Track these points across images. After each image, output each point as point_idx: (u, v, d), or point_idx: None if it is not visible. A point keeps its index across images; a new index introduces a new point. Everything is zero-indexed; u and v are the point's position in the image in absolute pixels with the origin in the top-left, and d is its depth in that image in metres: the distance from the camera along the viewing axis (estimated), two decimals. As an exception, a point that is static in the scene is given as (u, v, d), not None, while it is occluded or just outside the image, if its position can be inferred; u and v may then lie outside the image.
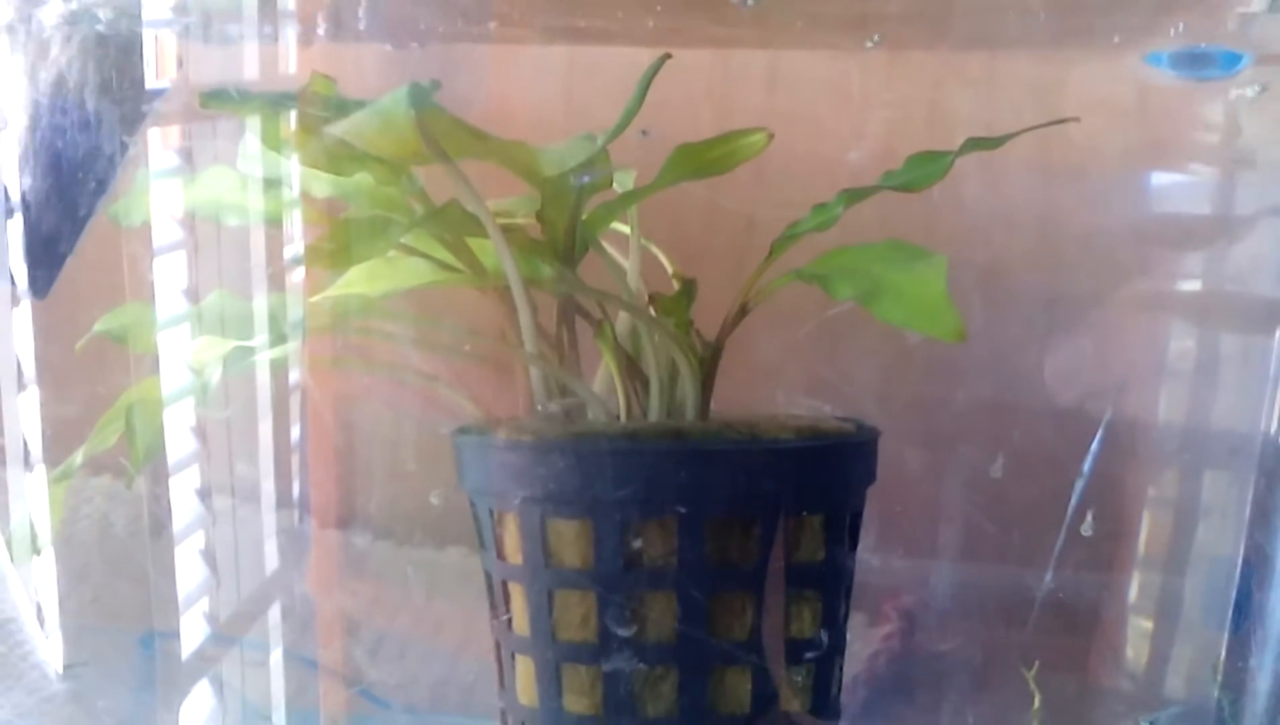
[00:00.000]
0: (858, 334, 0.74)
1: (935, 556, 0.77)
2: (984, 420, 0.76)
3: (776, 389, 0.76)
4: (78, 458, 0.61)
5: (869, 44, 0.69)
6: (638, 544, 0.54)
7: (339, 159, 0.54)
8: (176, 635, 0.73)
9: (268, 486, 0.73)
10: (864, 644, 0.81)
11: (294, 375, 0.72)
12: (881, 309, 0.50)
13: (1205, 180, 0.73)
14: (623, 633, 0.55)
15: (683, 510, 0.54)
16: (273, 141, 0.54)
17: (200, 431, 0.73)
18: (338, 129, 0.47)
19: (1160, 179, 0.75)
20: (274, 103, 0.52)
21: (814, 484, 0.56)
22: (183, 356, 0.60)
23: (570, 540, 0.55)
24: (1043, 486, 0.73)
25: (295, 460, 0.75)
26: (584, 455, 0.54)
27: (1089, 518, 0.70)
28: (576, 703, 0.56)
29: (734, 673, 0.56)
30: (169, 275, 0.67)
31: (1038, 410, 0.75)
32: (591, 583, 0.55)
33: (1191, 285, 0.76)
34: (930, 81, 0.75)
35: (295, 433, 0.74)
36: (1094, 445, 0.71)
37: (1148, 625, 0.77)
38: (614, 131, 0.54)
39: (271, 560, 0.75)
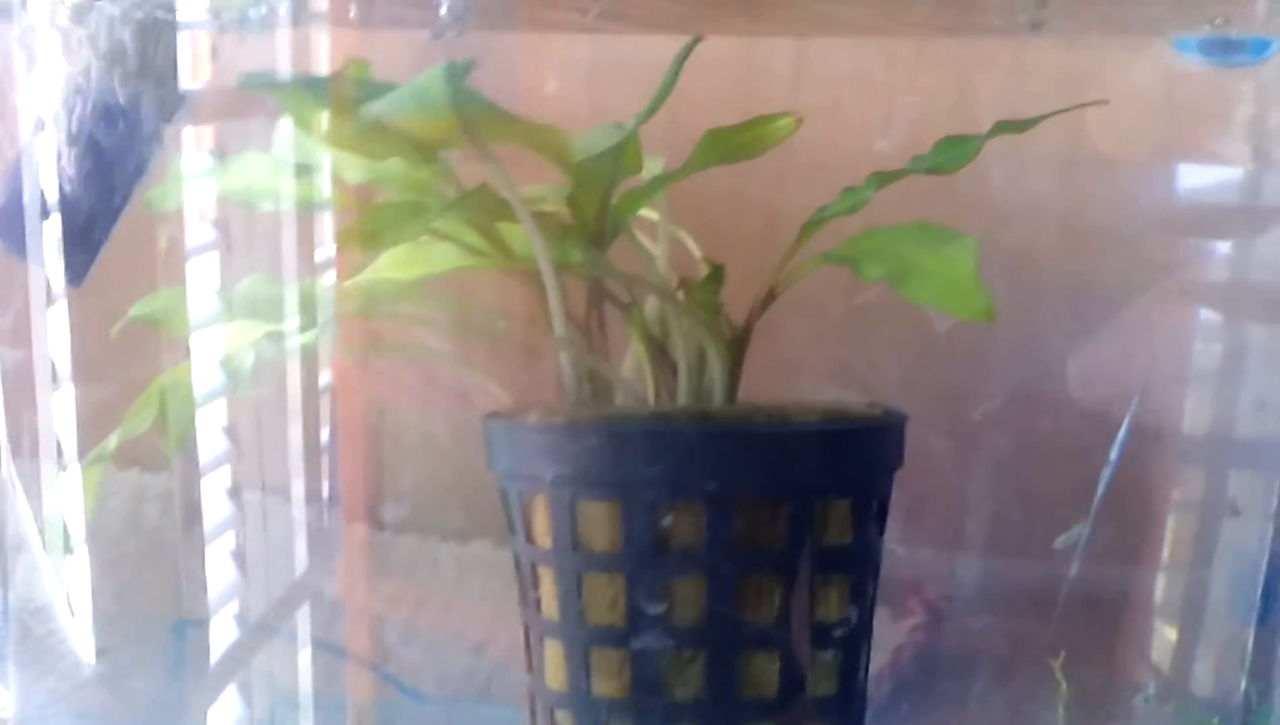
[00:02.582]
0: (885, 322, 0.75)
1: (960, 547, 0.77)
2: (1012, 410, 0.76)
3: (803, 377, 0.76)
4: (111, 441, 0.61)
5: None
6: (666, 526, 0.54)
7: (371, 142, 0.55)
8: (207, 623, 0.74)
9: (298, 483, 0.73)
10: (889, 637, 0.81)
11: (324, 374, 0.72)
12: (910, 289, 0.50)
13: (1236, 169, 0.73)
14: (651, 615, 0.55)
15: (711, 492, 0.54)
16: (307, 125, 0.54)
17: (232, 431, 0.74)
18: (375, 108, 0.47)
19: (1190, 168, 0.75)
20: (309, 85, 0.53)
21: (842, 467, 0.56)
22: (217, 342, 0.61)
23: (599, 523, 0.55)
24: (1068, 476, 0.73)
25: (325, 458, 0.75)
26: (614, 437, 0.55)
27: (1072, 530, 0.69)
28: (605, 686, 0.56)
29: (762, 656, 0.56)
30: (203, 262, 0.67)
31: (1066, 400, 0.75)
32: (620, 565, 0.55)
33: (1220, 276, 0.76)
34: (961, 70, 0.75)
35: (326, 432, 0.75)
36: (1121, 434, 0.71)
37: (1174, 618, 0.76)
38: (644, 114, 0.55)
39: (301, 556, 0.76)
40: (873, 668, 0.84)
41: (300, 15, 0.68)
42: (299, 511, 0.74)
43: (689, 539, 0.55)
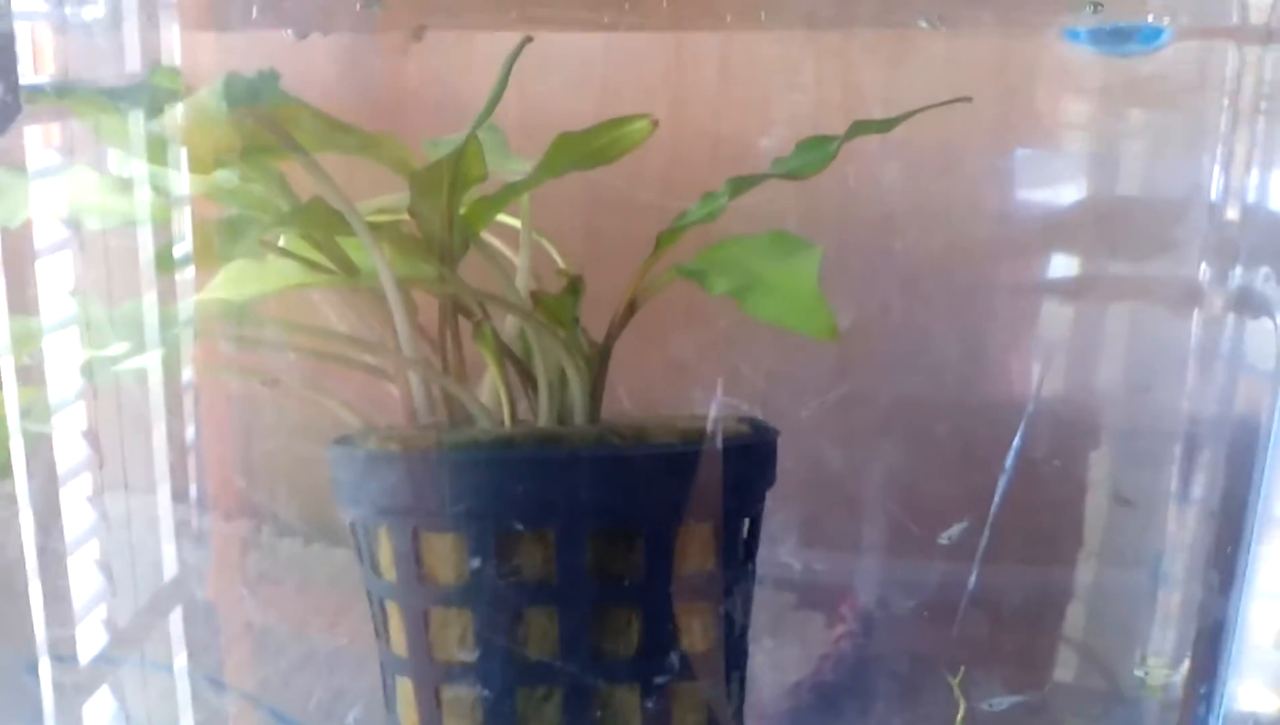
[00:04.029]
0: (777, 329, 0.72)
1: (859, 553, 0.75)
2: (906, 414, 0.73)
3: (693, 387, 0.73)
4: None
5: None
6: (515, 558, 0.51)
7: (192, 156, 0.51)
8: (72, 659, 0.70)
9: (164, 489, 0.70)
10: (817, 645, 0.79)
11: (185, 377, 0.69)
12: (754, 306, 0.47)
13: (1120, 158, 0.71)
14: (502, 651, 0.52)
15: (561, 521, 0.51)
16: (110, 136, 0.51)
17: (92, 436, 0.70)
18: (156, 125, 0.44)
19: (1077, 158, 0.72)
20: (103, 97, 0.49)
21: (702, 490, 0.53)
22: (46, 366, 0.57)
23: (444, 555, 0.52)
24: (965, 482, 0.70)
25: (192, 461, 0.72)
26: (455, 465, 0.51)
27: (954, 528, 0.67)
28: (458, 724, 0.53)
29: (622, 691, 0.53)
30: (56, 273, 0.63)
31: (961, 403, 0.73)
32: (467, 599, 0.52)
33: (1112, 268, 0.73)
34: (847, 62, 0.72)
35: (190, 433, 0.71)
36: (1016, 441, 0.69)
37: (1075, 618, 0.74)
38: (480, 118, 0.51)
39: (170, 566, 0.72)
40: (795, 675, 0.82)
41: (152, 15, 0.64)
42: (167, 521, 0.70)
43: (539, 570, 0.51)
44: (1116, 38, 0.67)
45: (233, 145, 0.45)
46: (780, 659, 0.78)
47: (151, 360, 0.57)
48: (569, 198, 0.64)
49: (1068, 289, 0.74)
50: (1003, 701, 0.64)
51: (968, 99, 0.52)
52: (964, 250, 0.73)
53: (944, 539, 0.66)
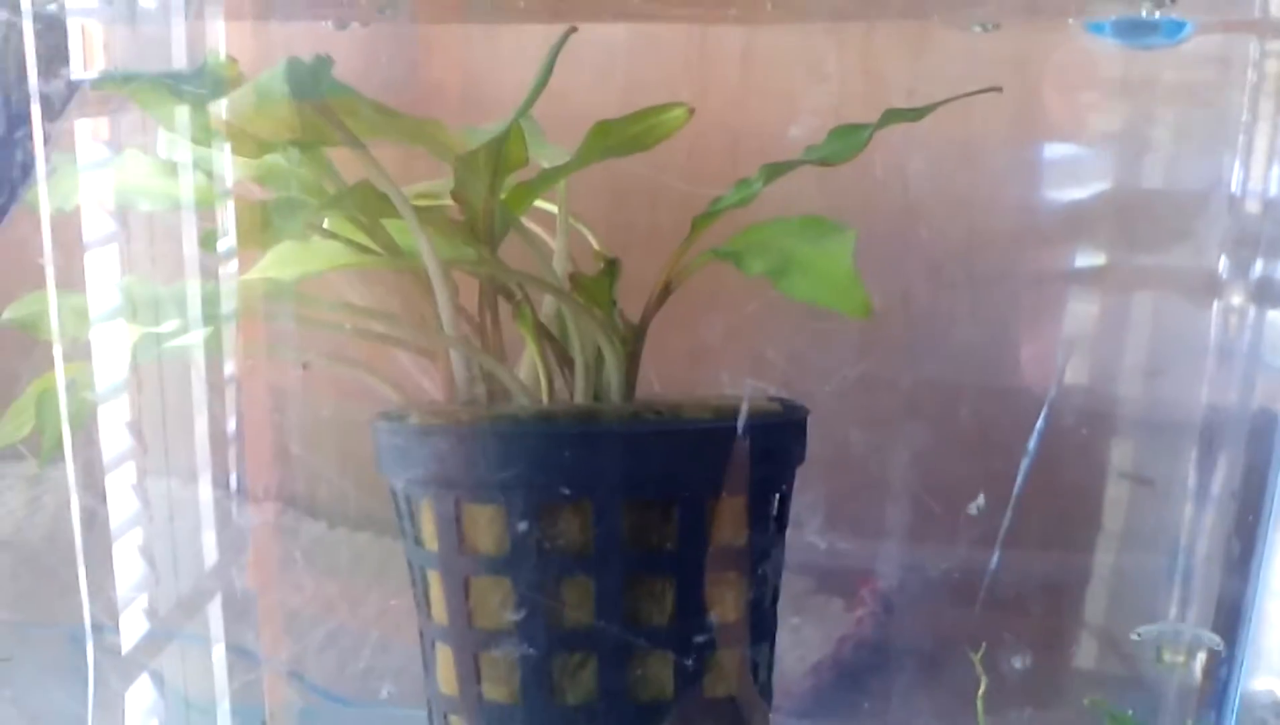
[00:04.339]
0: (802, 313, 0.73)
1: (881, 537, 0.76)
2: (932, 398, 0.75)
3: (720, 372, 0.75)
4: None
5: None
6: (553, 529, 0.53)
7: (242, 140, 0.53)
8: (114, 629, 0.72)
9: (205, 478, 0.72)
10: (836, 627, 0.81)
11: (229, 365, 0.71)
12: (789, 285, 0.49)
13: (1141, 150, 0.72)
14: (539, 619, 0.54)
15: (598, 493, 0.53)
16: (168, 122, 0.53)
17: (135, 427, 0.72)
18: (220, 109, 0.46)
19: (1099, 151, 0.74)
20: (166, 84, 0.51)
21: (734, 465, 0.55)
22: (96, 345, 0.59)
23: (485, 526, 0.54)
24: (989, 465, 0.72)
25: (233, 451, 0.74)
26: (496, 438, 0.53)
27: (980, 498, 0.68)
28: (495, 691, 0.55)
29: (656, 658, 0.54)
30: (103, 259, 0.65)
31: (985, 388, 0.74)
32: (507, 568, 0.54)
33: (1136, 260, 0.75)
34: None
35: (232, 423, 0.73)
36: (1039, 423, 0.70)
37: (1097, 601, 0.76)
38: (524, 106, 0.53)
39: (210, 553, 0.74)
40: (815, 657, 0.84)
41: (200, 7, 0.66)
42: (208, 509, 0.72)
43: (577, 541, 0.53)
44: (1140, 31, 0.69)
45: (292, 127, 0.47)
46: (803, 638, 0.80)
47: (197, 338, 0.59)
48: (602, 187, 0.66)
49: (1088, 278, 0.76)
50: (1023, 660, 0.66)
51: (998, 89, 0.53)
52: (986, 240, 0.74)
53: (973, 509, 0.67)
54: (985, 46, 0.72)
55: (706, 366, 0.72)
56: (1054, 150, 0.73)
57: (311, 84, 0.46)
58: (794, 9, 0.73)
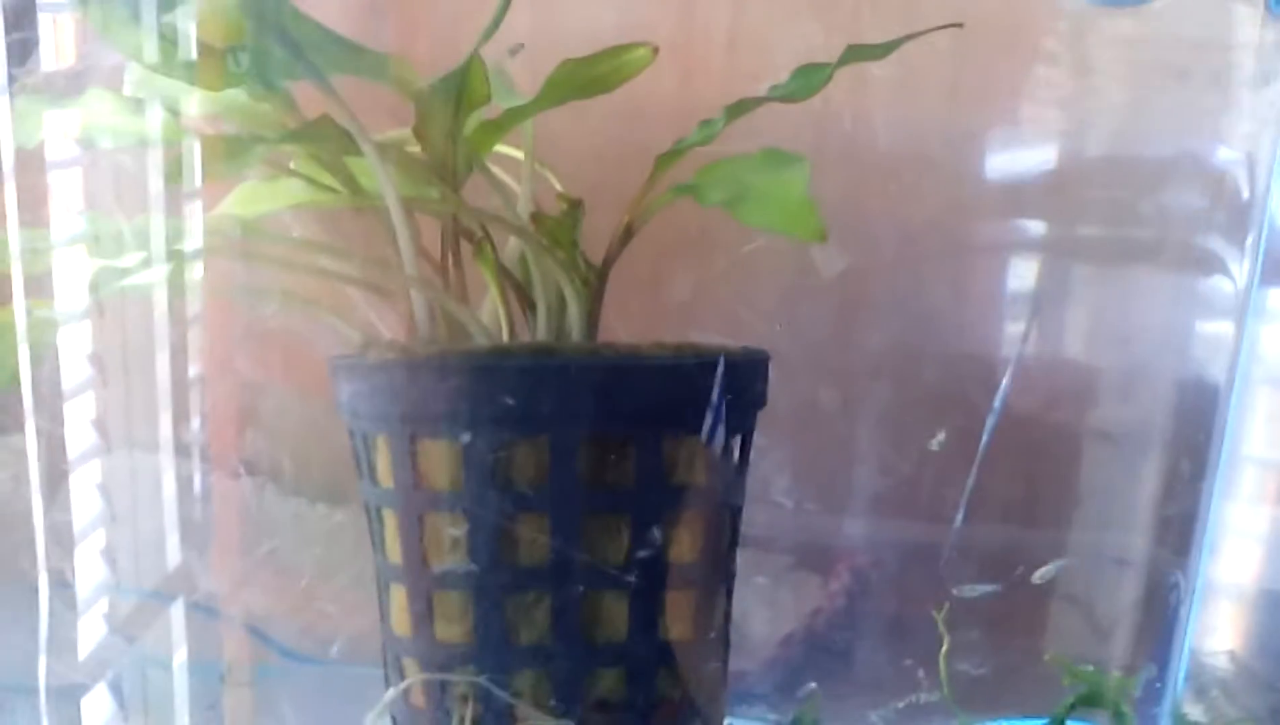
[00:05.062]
0: (773, 270, 0.73)
1: (849, 496, 0.76)
2: (898, 359, 0.75)
3: (689, 326, 0.74)
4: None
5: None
6: (509, 465, 0.53)
7: (205, 72, 0.53)
8: (69, 585, 0.72)
9: (166, 420, 0.71)
10: (811, 601, 0.81)
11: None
12: (746, 212, 0.49)
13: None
14: (494, 557, 0.53)
15: (553, 428, 0.52)
16: (125, 47, 0.52)
17: (97, 359, 0.72)
18: (169, 20, 0.45)
19: (1077, 116, 0.74)
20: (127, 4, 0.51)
21: (692, 403, 0.55)
22: (58, 278, 0.59)
23: (439, 461, 0.53)
24: (953, 424, 0.72)
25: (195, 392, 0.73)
26: (452, 373, 0.53)
27: (940, 435, 0.69)
28: (448, 630, 0.54)
29: (610, 598, 0.54)
30: (50, 200, 0.65)
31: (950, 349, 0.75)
32: (461, 504, 0.53)
33: (1106, 228, 0.75)
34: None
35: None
36: (1004, 382, 0.70)
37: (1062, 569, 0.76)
38: (483, 37, 0.53)
39: (170, 504, 0.73)
40: (785, 629, 0.83)
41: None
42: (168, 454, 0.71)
43: (532, 477, 0.53)
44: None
45: (244, 35, 0.46)
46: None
47: (159, 275, 0.59)
48: (575, 134, 0.66)
49: (1044, 246, 0.76)
50: (976, 589, 0.66)
51: (959, 24, 0.53)
52: (959, 207, 0.74)
53: (934, 445, 0.68)
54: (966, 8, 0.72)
55: (679, 326, 0.72)
56: (1030, 116, 0.73)
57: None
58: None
